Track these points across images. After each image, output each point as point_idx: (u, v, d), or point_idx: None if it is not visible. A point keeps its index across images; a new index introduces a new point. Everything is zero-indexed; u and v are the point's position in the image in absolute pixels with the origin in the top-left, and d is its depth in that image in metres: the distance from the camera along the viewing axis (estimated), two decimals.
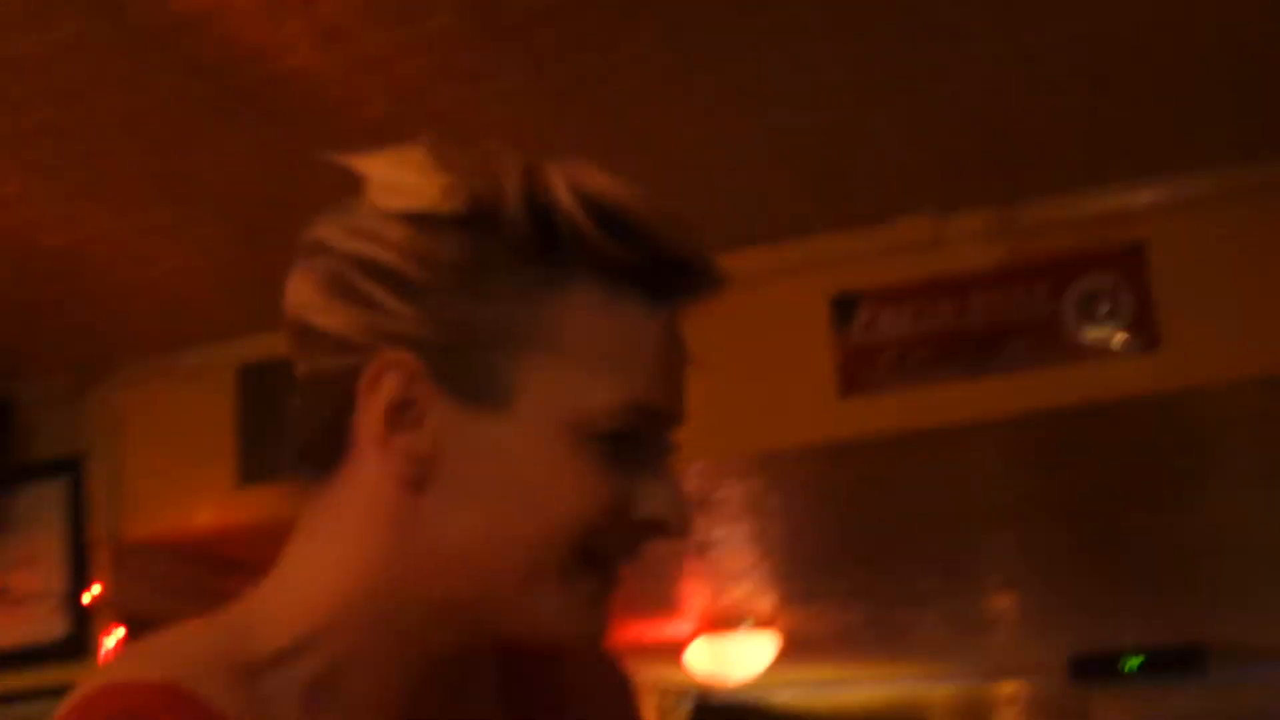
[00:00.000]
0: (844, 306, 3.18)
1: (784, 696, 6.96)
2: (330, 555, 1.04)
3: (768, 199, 3.10)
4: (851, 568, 4.74)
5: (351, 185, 1.03)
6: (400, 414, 0.99)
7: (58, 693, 3.04)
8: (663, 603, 5.07)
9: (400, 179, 1.01)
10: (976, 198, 3.10)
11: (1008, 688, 7.35)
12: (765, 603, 5.11)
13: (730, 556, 4.46)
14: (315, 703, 1.02)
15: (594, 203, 0.97)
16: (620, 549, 1.02)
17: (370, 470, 1.02)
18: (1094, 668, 6.19)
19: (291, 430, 1.07)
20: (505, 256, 0.98)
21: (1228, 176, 2.99)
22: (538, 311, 0.98)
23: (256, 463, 3.48)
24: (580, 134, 2.80)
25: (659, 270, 0.99)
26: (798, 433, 3.22)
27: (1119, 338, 3.02)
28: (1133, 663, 6.12)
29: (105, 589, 3.58)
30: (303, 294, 1.03)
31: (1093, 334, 3.03)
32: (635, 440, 1.00)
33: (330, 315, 1.01)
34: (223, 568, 3.74)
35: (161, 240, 3.03)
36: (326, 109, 2.63)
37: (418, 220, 0.99)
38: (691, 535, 1.04)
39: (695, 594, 5.04)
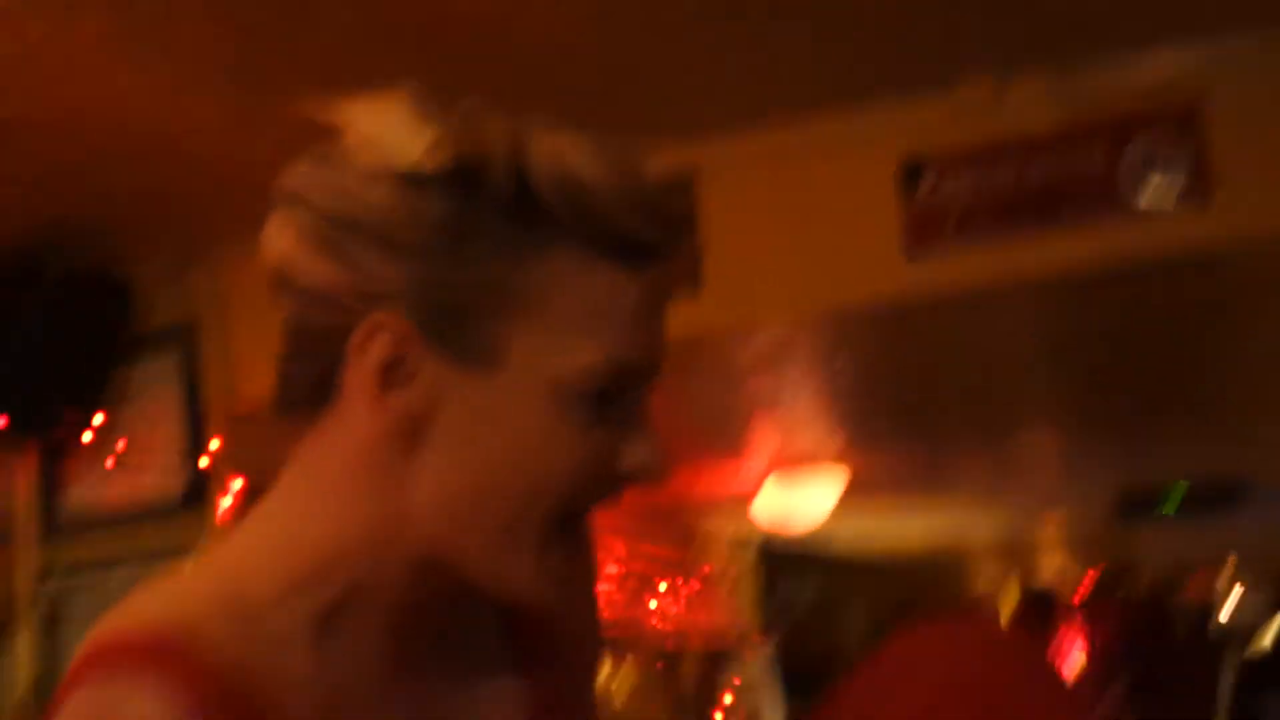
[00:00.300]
0: (910, 171, 3.24)
1: (841, 544, 7.08)
2: (322, 501, 1.06)
3: (834, 65, 3.13)
4: (910, 415, 4.82)
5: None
6: (391, 373, 0.99)
7: (177, 550, 3.21)
8: (734, 452, 5.19)
9: (384, 134, 1.00)
10: (1036, 61, 3.13)
11: (1051, 529, 7.37)
12: (829, 452, 5.21)
13: (798, 408, 4.55)
14: (325, 636, 1.04)
15: (574, 177, 0.97)
16: (599, 499, 1.06)
17: (361, 422, 1.03)
18: (1141, 502, 6.22)
19: (281, 376, 1.09)
20: (489, 218, 0.97)
21: None
22: (522, 274, 0.98)
23: None
24: None
25: (638, 236, 0.99)
26: (865, 293, 3.31)
27: (1174, 196, 3.07)
28: (1176, 498, 6.15)
29: (220, 450, 3.74)
30: (283, 246, 1.03)
31: (1149, 192, 3.08)
32: (616, 397, 1.01)
33: (314, 273, 1.00)
34: None
35: (257, 128, 3.12)
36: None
37: (402, 179, 0.98)
38: (661, 475, 1.07)
39: (762, 446, 5.14)
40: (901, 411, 4.80)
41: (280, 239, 1.01)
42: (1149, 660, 9.30)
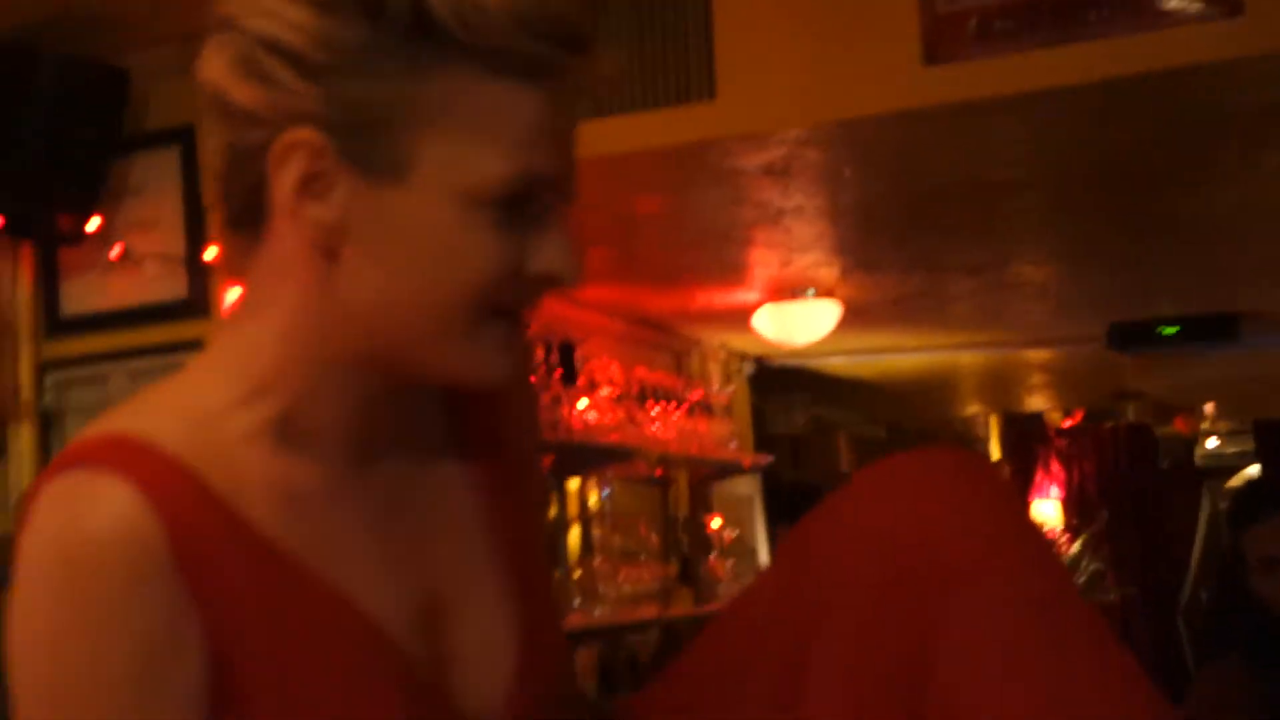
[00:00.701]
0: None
1: (836, 363, 7.06)
2: (264, 315, 1.12)
3: None
4: (914, 239, 4.74)
5: None
6: (308, 187, 1.06)
7: (181, 347, 3.16)
8: (733, 271, 5.11)
9: None
10: None
11: (1039, 354, 7.37)
12: (830, 273, 5.13)
13: (801, 226, 4.46)
14: (281, 441, 1.12)
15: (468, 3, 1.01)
16: (520, 301, 1.12)
17: (286, 238, 1.10)
18: (1131, 335, 6.23)
19: (220, 197, 1.15)
20: (394, 39, 1.02)
21: None
22: (428, 90, 1.04)
23: None
24: None
25: (532, 53, 1.03)
26: (883, 100, 3.19)
27: (1201, 3, 2.95)
28: (1168, 330, 6.15)
29: (218, 256, 3.63)
30: (216, 69, 1.08)
31: (1179, 0, 2.97)
32: (526, 202, 1.06)
33: (239, 92, 1.06)
34: None
35: None
36: None
37: (317, 3, 1.03)
38: (575, 283, 1.12)
39: (764, 263, 5.05)
40: (904, 236, 4.72)
41: (213, 62, 1.08)
42: (1133, 487, 9.40)
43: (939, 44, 3.11)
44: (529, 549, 1.28)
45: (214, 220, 3.60)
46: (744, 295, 5.46)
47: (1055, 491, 9.25)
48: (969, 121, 3.37)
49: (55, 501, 1.04)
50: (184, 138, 3.64)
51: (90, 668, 1.03)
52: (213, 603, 1.05)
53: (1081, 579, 8.39)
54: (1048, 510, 9.12)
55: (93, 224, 3.59)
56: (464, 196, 1.05)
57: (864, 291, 5.31)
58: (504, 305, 1.10)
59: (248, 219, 1.11)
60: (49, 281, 3.75)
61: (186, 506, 1.05)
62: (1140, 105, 3.29)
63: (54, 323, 3.75)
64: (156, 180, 3.67)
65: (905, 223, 4.45)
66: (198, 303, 3.63)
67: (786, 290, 5.37)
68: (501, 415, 1.27)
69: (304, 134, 1.04)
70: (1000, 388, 8.45)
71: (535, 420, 1.39)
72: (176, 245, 3.64)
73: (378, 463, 1.18)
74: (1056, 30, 3.04)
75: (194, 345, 3.58)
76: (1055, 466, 9.29)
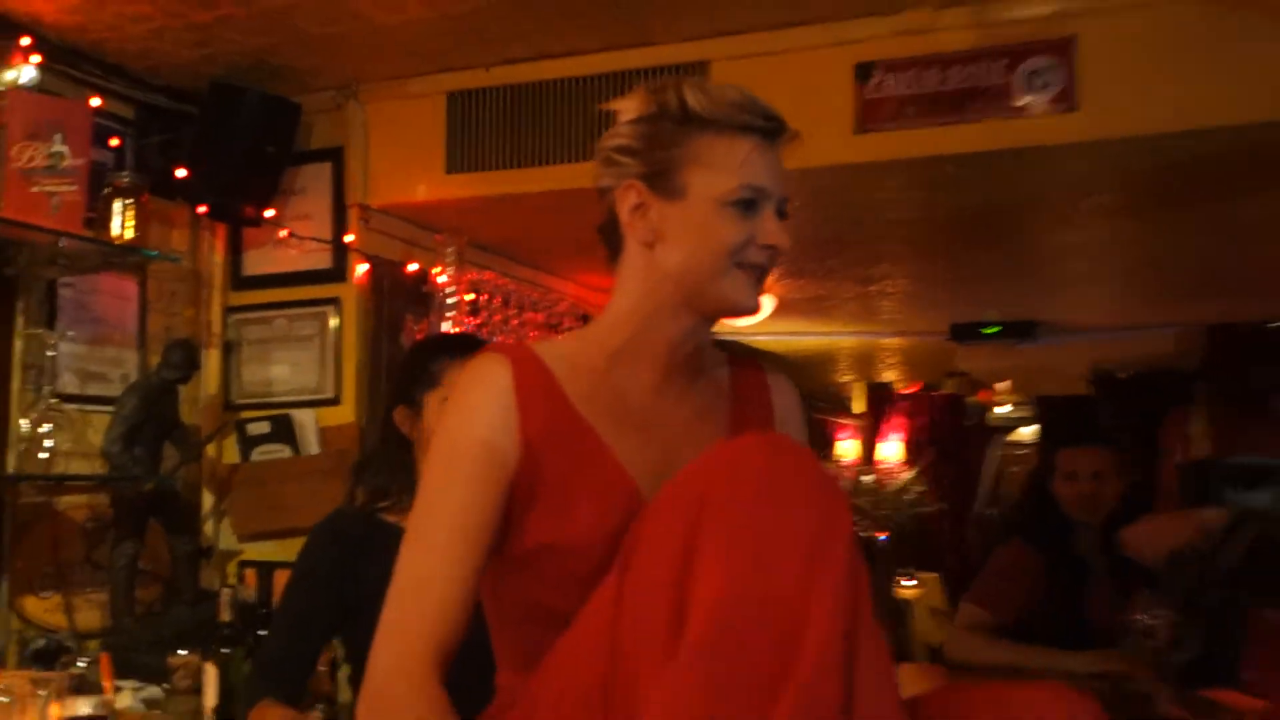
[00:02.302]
0: (863, 71, 3.05)
1: (761, 339, 7.00)
2: (622, 291, 1.37)
3: None
4: (828, 258, 4.66)
5: None
6: (635, 211, 1.32)
7: (325, 301, 3.09)
8: None
9: (626, 105, 1.35)
10: (924, 1, 2.94)
11: (897, 342, 7.33)
12: (771, 277, 5.06)
13: None
14: (613, 366, 1.35)
15: (707, 97, 1.29)
16: (757, 260, 1.30)
17: (630, 246, 1.35)
18: (965, 331, 6.21)
19: (603, 240, 1.39)
20: (674, 123, 1.30)
21: None
22: (692, 147, 1.28)
23: (458, 159, 3.41)
24: None
25: (743, 120, 1.29)
26: (824, 158, 3.10)
27: (1051, 103, 2.90)
28: (990, 329, 6.14)
29: (356, 237, 3.54)
30: (595, 170, 1.37)
31: (1033, 99, 2.91)
32: (753, 204, 1.28)
33: (603, 177, 1.36)
34: (432, 228, 3.71)
35: (404, 4, 2.90)
36: None
37: (635, 120, 1.33)
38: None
39: None
40: (819, 257, 4.64)
41: (595, 168, 1.37)
42: (949, 436, 9.42)
43: (866, 119, 3.05)
44: None
45: (353, 216, 3.54)
46: None
47: (898, 437, 9.23)
48: (882, 176, 3.30)
49: (474, 363, 1.33)
50: (335, 156, 3.55)
51: (462, 426, 1.29)
52: (531, 422, 1.28)
53: (911, 495, 8.39)
54: (892, 449, 9.12)
55: (269, 213, 3.48)
56: (716, 202, 1.28)
57: (789, 291, 5.25)
58: (746, 261, 1.30)
59: (614, 246, 1.37)
60: (235, 251, 3.64)
61: (533, 377, 1.30)
62: (1000, 170, 3.22)
63: (237, 280, 3.64)
64: (314, 185, 3.56)
65: (824, 245, 4.38)
66: (337, 271, 3.54)
67: None
68: (769, 420, 1.43)
69: (632, 183, 1.32)
70: (867, 364, 8.41)
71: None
72: (325, 231, 3.54)
73: (673, 398, 1.36)
74: (948, 115, 2.98)
75: (333, 301, 3.52)
76: (899, 420, 9.27)
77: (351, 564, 1.93)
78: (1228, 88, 2.75)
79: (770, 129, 1.30)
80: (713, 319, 1.35)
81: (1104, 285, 5.32)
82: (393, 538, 1.81)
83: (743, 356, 1.49)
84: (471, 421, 1.27)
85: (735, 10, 3.00)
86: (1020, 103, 2.92)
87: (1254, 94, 2.73)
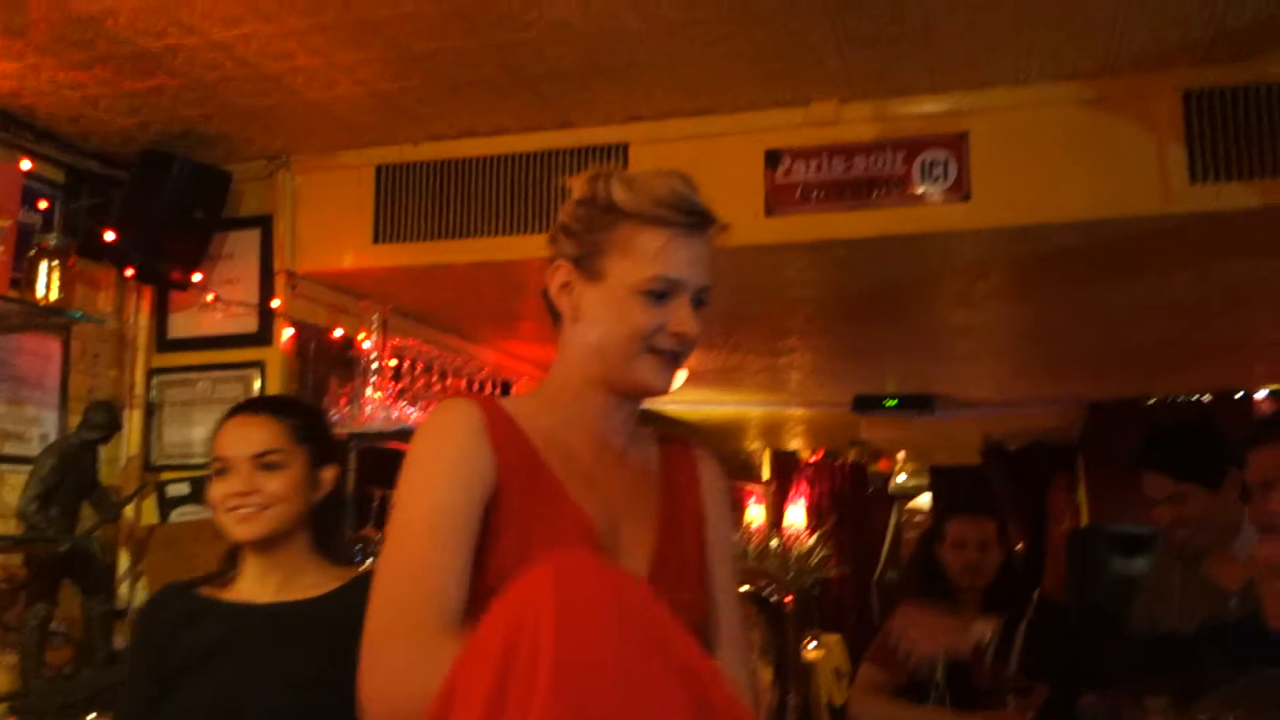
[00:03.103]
0: (772, 158, 3.13)
1: (673, 408, 7.01)
2: (560, 360, 1.40)
3: (730, 82, 2.99)
4: (736, 332, 4.73)
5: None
6: (565, 288, 1.35)
7: (249, 365, 3.02)
8: None
9: (575, 184, 1.37)
10: (864, 95, 3.03)
11: (802, 412, 7.40)
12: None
13: None
14: (560, 422, 1.36)
15: (633, 191, 1.30)
16: (668, 346, 1.31)
17: (564, 317, 1.37)
18: (867, 402, 6.29)
19: (547, 306, 1.41)
20: (600, 213, 1.32)
21: (1024, 92, 2.95)
22: (615, 235, 1.30)
23: (385, 229, 3.40)
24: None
25: (666, 215, 1.29)
26: (735, 238, 3.13)
27: (946, 192, 3.00)
28: (890, 401, 6.24)
29: (283, 302, 3.50)
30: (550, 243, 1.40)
31: (929, 189, 3.01)
32: (665, 294, 1.29)
33: (550, 249, 1.40)
34: (357, 294, 3.68)
35: (341, 75, 2.90)
36: None
37: (575, 202, 1.36)
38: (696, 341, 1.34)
39: None
40: (728, 330, 4.70)
41: (549, 246, 1.40)
42: (851, 503, 9.51)
43: (775, 203, 3.12)
44: (682, 543, 1.39)
45: (280, 282, 3.50)
46: None
47: (803, 502, 9.30)
48: (790, 256, 3.36)
49: (438, 406, 1.34)
50: (264, 223, 3.52)
51: (442, 447, 1.28)
52: (501, 458, 1.28)
53: (816, 559, 8.42)
54: (798, 515, 9.17)
55: (196, 277, 3.43)
56: (630, 289, 1.30)
57: (702, 362, 5.29)
58: (657, 347, 1.31)
59: (555, 314, 1.39)
60: (161, 314, 3.57)
61: (499, 419, 1.31)
62: (899, 253, 3.30)
63: (162, 342, 3.56)
64: (242, 251, 3.52)
65: (735, 320, 4.44)
66: (263, 336, 3.50)
67: None
68: (696, 494, 1.44)
69: (561, 263, 1.36)
70: (773, 432, 8.48)
71: (724, 520, 1.47)
72: (251, 296, 3.50)
73: (607, 456, 1.37)
74: (851, 200, 3.06)
75: (257, 364, 3.46)
76: (803, 486, 9.35)
77: (167, 639, 1.83)
78: (1104, 183, 2.89)
79: (690, 223, 1.31)
80: (627, 397, 1.37)
81: (994, 362, 5.47)
82: (210, 612, 1.80)
83: (671, 433, 1.50)
84: (450, 442, 1.27)
85: (653, 97, 3.06)
86: (918, 192, 3.02)
87: (1126, 189, 2.87)
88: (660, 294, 1.29)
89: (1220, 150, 2.80)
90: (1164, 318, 4.30)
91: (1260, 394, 5.90)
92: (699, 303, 1.33)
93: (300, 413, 1.93)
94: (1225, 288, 3.78)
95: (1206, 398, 6.04)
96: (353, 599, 1.68)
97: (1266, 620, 1.75)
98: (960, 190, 2.98)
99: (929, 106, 3.02)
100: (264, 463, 1.82)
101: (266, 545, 1.85)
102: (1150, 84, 2.86)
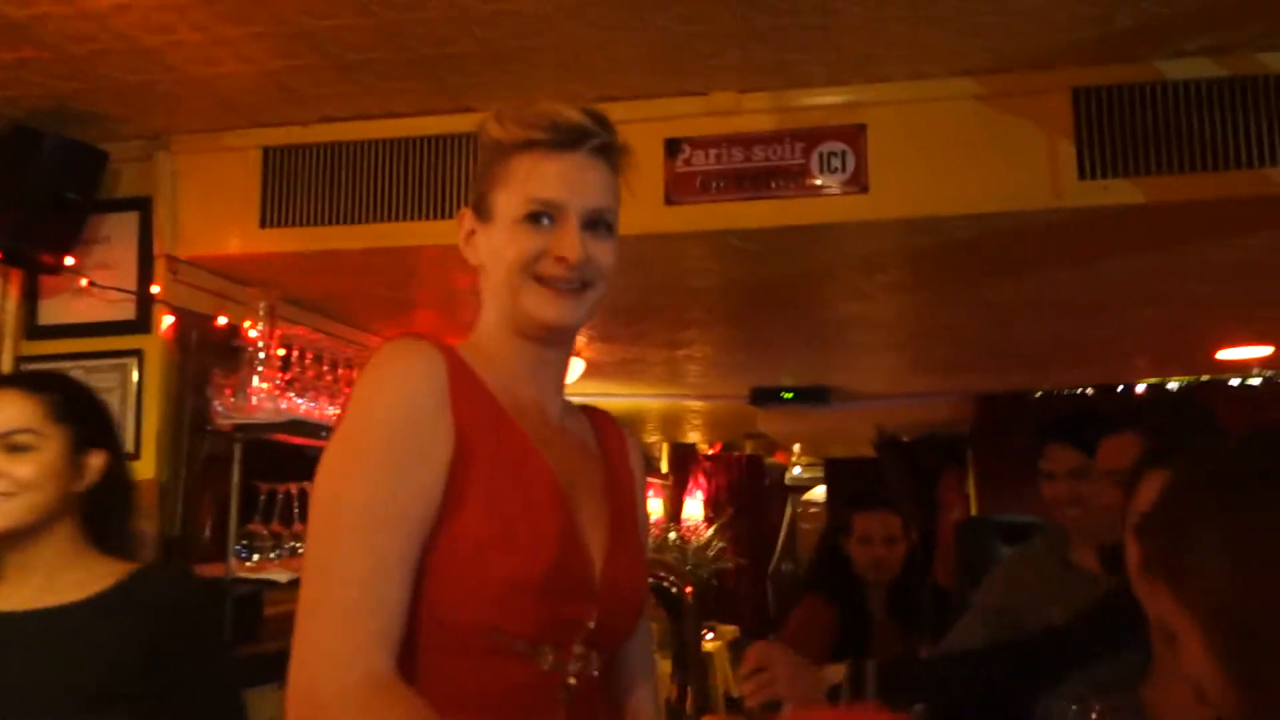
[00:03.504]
0: (672, 146, 3.10)
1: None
2: (481, 309, 1.32)
3: (634, 70, 2.95)
4: (635, 324, 4.71)
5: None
6: (469, 239, 1.30)
7: (127, 353, 2.88)
8: None
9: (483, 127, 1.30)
10: (763, 86, 3.02)
11: (700, 405, 7.43)
12: (581, 340, 5.05)
13: None
14: (507, 381, 1.25)
15: (509, 120, 1.25)
16: (551, 272, 1.23)
17: (477, 271, 1.31)
18: (764, 395, 6.34)
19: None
20: (488, 154, 1.28)
21: (920, 86, 2.98)
22: (499, 170, 1.25)
23: (273, 214, 3.27)
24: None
25: (535, 139, 1.23)
26: (635, 227, 3.11)
27: (844, 184, 3.01)
28: (787, 394, 6.29)
29: (163, 288, 3.34)
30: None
31: (828, 180, 3.02)
32: (544, 217, 1.22)
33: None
34: (242, 281, 3.53)
35: (225, 52, 2.77)
36: None
37: (479, 147, 1.31)
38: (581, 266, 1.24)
39: None
40: (627, 323, 4.68)
41: None
42: (748, 495, 9.59)
43: (674, 192, 3.09)
44: (624, 516, 1.32)
45: (160, 267, 3.34)
46: None
47: (700, 495, 9.34)
48: (689, 245, 3.33)
49: (398, 341, 1.18)
50: (142, 206, 3.34)
51: (387, 405, 1.13)
52: (462, 413, 1.15)
53: (713, 551, 8.47)
54: (695, 507, 9.21)
55: (69, 261, 3.25)
56: (513, 220, 1.24)
57: (599, 355, 5.26)
58: (540, 274, 1.23)
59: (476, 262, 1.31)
60: (31, 299, 3.37)
61: (457, 364, 1.19)
62: (797, 244, 3.30)
63: (32, 329, 3.36)
64: (119, 234, 3.34)
65: (633, 311, 4.41)
66: (141, 323, 3.32)
67: None
68: (627, 469, 1.40)
69: (465, 211, 1.31)
70: (672, 425, 8.49)
71: (644, 500, 1.44)
72: (129, 282, 3.33)
73: (550, 415, 1.29)
74: (750, 191, 3.05)
75: (135, 353, 3.30)
76: (701, 479, 9.40)
77: None
78: (997, 178, 2.93)
79: (557, 140, 1.22)
80: (534, 338, 1.26)
81: (889, 355, 5.55)
82: None
83: (591, 406, 1.45)
84: (399, 400, 1.12)
85: (550, 84, 3.00)
86: (816, 182, 3.02)
87: (1018, 184, 2.91)
88: (538, 217, 1.22)
89: (1108, 147, 2.86)
90: (1051, 313, 4.41)
91: (1140, 387, 6.11)
92: (595, 225, 1.24)
93: (59, 389, 1.69)
94: (1109, 284, 3.89)
95: (1090, 391, 6.23)
96: (132, 599, 1.59)
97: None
98: (858, 182, 2.99)
99: (827, 99, 3.02)
100: (9, 444, 1.60)
101: (17, 540, 1.61)
102: (1041, 81, 2.91)
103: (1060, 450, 2.43)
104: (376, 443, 1.10)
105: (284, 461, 3.47)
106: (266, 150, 3.27)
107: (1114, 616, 1.70)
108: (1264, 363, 5.59)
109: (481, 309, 1.30)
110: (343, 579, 1.05)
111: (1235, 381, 5.99)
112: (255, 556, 3.37)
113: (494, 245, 1.25)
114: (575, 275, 1.22)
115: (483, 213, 1.27)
